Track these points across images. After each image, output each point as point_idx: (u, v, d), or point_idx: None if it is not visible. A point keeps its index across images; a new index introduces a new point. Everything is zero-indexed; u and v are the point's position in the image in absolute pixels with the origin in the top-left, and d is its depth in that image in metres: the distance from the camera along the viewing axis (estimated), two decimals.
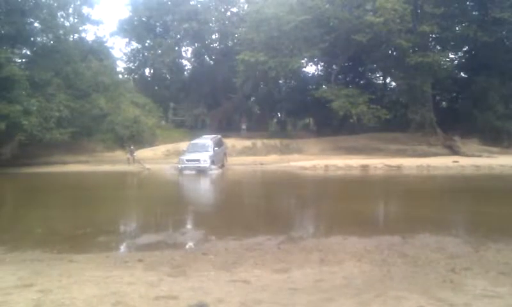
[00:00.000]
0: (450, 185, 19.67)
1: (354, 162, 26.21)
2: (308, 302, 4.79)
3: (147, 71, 48.15)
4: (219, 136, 28.04)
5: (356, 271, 6.17)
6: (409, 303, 4.65)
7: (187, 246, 8.45)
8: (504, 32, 34.94)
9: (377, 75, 45.64)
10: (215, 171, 23.95)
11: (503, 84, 33.62)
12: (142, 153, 29.40)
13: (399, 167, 24.89)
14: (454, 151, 31.22)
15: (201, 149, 24.22)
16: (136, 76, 47.24)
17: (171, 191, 19.09)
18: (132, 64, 47.07)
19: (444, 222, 10.49)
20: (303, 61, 36.78)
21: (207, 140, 25.61)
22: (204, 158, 23.46)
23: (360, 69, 43.11)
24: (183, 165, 23.54)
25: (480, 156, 28.93)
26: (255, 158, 30.14)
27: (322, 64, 43.72)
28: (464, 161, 26.42)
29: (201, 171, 23.31)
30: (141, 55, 46.19)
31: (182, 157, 24.06)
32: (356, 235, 8.56)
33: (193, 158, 23.57)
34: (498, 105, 33.22)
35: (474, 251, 7.20)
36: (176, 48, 44.60)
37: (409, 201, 14.96)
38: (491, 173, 23.21)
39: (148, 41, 44.57)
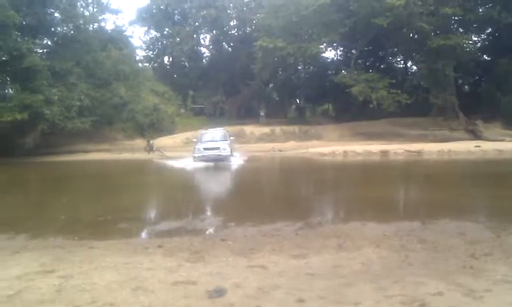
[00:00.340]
0: (471, 170, 19.34)
1: (374, 147, 25.97)
2: (325, 288, 4.78)
3: (166, 59, 48.45)
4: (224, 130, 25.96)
5: (374, 257, 6.13)
6: (428, 288, 4.60)
7: (206, 232, 8.51)
8: None
9: (398, 59, 45.07)
10: (236, 161, 21.92)
11: None
12: (161, 141, 29.70)
13: (419, 152, 24.57)
14: (476, 135, 30.68)
15: (217, 139, 21.97)
16: (155, 64, 47.59)
17: (198, 182, 18.33)
18: (151, 52, 47.42)
19: (465, 207, 10.33)
20: (322, 46, 36.49)
21: (220, 130, 23.79)
22: (224, 146, 20.99)
23: (380, 53, 42.58)
24: (199, 155, 20.74)
25: (503, 140, 28.36)
26: (273, 145, 30.15)
27: (342, 49, 43.31)
28: (486, 145, 25.95)
29: (221, 161, 20.91)
30: (159, 43, 46.47)
31: (197, 146, 21.30)
32: (374, 221, 8.49)
33: (212, 147, 20.99)
34: None
35: (495, 236, 7.07)
36: (195, 35, 44.68)
37: (429, 187, 14.76)
38: None
39: (166, 29, 44.77)
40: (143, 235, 8.67)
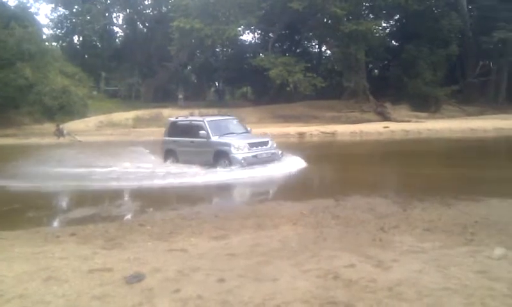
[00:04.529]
0: (381, 150, 20.56)
1: (291, 129, 26.67)
2: (245, 266, 4.86)
3: (76, 38, 45.76)
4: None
5: (291, 234, 6.32)
6: (341, 261, 4.84)
7: (122, 218, 8.27)
8: (433, 1, 36.40)
9: (313, 44, 46.36)
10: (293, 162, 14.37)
11: (431, 52, 35.30)
12: (73, 125, 28.21)
13: (333, 133, 25.64)
14: (385, 117, 32.58)
15: (236, 130, 14.71)
16: (63, 44, 44.76)
17: None
18: (59, 31, 44.48)
19: (375, 184, 10.97)
20: (239, 29, 36.52)
21: (231, 117, 16.21)
22: (271, 141, 14.28)
23: (296, 37, 43.50)
24: (245, 155, 12.98)
25: (409, 121, 30.42)
26: None
27: (259, 32, 43.71)
28: (394, 126, 27.66)
29: (271, 161, 13.61)
30: (68, 21, 43.70)
31: (237, 144, 13.13)
32: (291, 200, 8.77)
33: (258, 141, 13.99)
34: (426, 72, 34.91)
35: (402, 210, 7.58)
36: (107, 14, 42.63)
37: (343, 166, 15.47)
38: (419, 137, 24.48)
39: (75, 6, 42.17)
40: (55, 223, 8.28)
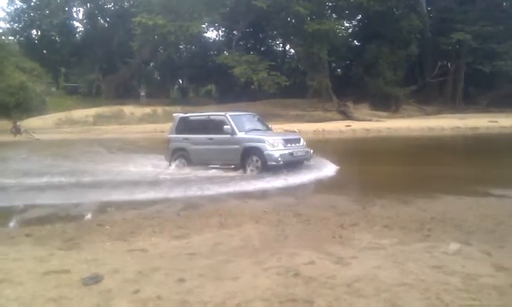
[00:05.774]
0: (342, 148, 20.86)
1: None
2: (205, 265, 4.83)
3: (34, 33, 44.38)
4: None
5: (253, 232, 6.33)
6: (302, 259, 4.88)
7: (81, 218, 8.06)
8: (394, 2, 37.28)
9: (277, 42, 46.70)
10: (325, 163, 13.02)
11: (392, 52, 36.18)
12: (30, 122, 27.31)
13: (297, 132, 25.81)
14: (347, 115, 33.21)
15: (260, 127, 13.21)
16: (21, 38, 43.34)
17: None
18: (16, 25, 43.02)
19: (335, 182, 11.11)
20: (203, 26, 36.37)
21: (249, 114, 14.57)
22: (302, 139, 12.53)
23: (260, 35, 43.72)
24: (281, 152, 11.24)
25: (370, 120, 31.09)
26: (155, 126, 29.41)
27: (223, 29, 43.71)
28: (355, 125, 28.21)
29: (305, 160, 12.29)
30: (26, 15, 42.36)
31: (272, 140, 11.42)
32: (254, 198, 8.78)
33: (292, 138, 12.42)
34: (387, 71, 35.77)
35: (361, 207, 7.71)
36: (66, 8, 41.56)
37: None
38: (379, 136, 25.00)
39: (34, 0, 40.92)
40: (9, 223, 7.96)
